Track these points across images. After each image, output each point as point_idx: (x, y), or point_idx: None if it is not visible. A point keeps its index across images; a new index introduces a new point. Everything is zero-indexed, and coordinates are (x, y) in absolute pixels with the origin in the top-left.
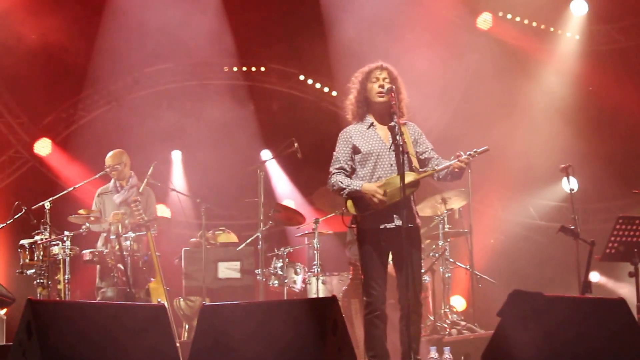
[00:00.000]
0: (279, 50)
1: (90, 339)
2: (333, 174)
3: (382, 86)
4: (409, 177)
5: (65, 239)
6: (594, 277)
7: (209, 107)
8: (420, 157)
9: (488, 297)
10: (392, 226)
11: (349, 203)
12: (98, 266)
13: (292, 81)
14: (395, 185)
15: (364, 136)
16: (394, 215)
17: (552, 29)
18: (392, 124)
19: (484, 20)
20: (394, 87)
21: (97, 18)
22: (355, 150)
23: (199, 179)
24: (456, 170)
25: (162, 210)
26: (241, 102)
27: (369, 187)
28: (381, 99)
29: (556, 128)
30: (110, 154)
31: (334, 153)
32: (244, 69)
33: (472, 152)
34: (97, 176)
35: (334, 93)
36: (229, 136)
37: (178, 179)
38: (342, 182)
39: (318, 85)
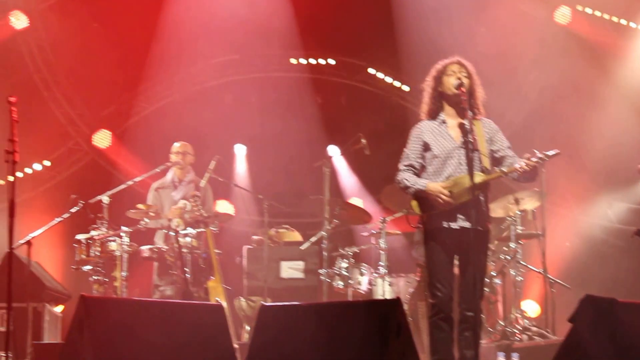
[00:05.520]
0: (347, 42)
1: (143, 337)
2: (401, 170)
3: (459, 79)
4: (477, 177)
5: (123, 234)
6: None
7: (274, 101)
8: (495, 155)
9: (562, 303)
10: (456, 227)
11: (414, 202)
12: (156, 263)
13: (361, 74)
14: (462, 185)
15: (434, 133)
16: (460, 216)
17: (633, 24)
18: (464, 122)
19: (563, 15)
20: (464, 82)
21: (161, 6)
22: (426, 147)
23: (262, 175)
24: (526, 170)
25: (225, 207)
26: (308, 96)
27: (434, 187)
28: (457, 91)
29: (635, 127)
30: (177, 143)
31: (405, 149)
32: (312, 61)
33: (542, 156)
34: (158, 169)
35: (404, 87)
36: (294, 131)
37: (241, 174)
38: (407, 180)
39: (388, 79)
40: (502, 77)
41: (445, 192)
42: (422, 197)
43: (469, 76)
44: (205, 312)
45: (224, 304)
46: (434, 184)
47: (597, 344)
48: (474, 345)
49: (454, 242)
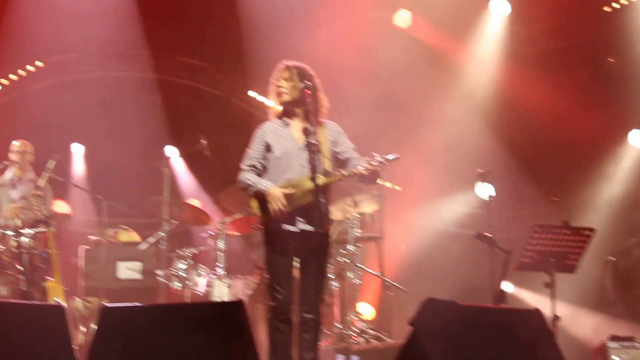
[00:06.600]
0: (189, 43)
1: None
2: (243, 170)
3: (281, 86)
4: (319, 180)
5: None
6: (508, 287)
7: (114, 100)
8: (340, 157)
9: (398, 306)
10: (296, 229)
11: (254, 203)
12: None
13: (202, 75)
14: (303, 187)
15: (277, 134)
16: (301, 218)
17: (472, 29)
18: (307, 124)
19: (402, 18)
20: (310, 84)
21: (5, 3)
22: (268, 149)
23: (101, 175)
24: (365, 175)
25: (62, 207)
26: (148, 96)
27: (274, 192)
28: (284, 99)
29: (473, 131)
30: (17, 142)
31: (247, 149)
32: (152, 61)
33: (382, 159)
34: None
35: (246, 89)
36: (133, 131)
37: (79, 174)
38: (250, 180)
39: (228, 81)
40: (342, 80)
41: (283, 202)
42: (263, 198)
43: (302, 78)
44: (45, 312)
45: (64, 304)
46: (276, 189)
47: (437, 346)
48: (313, 348)
49: (295, 244)
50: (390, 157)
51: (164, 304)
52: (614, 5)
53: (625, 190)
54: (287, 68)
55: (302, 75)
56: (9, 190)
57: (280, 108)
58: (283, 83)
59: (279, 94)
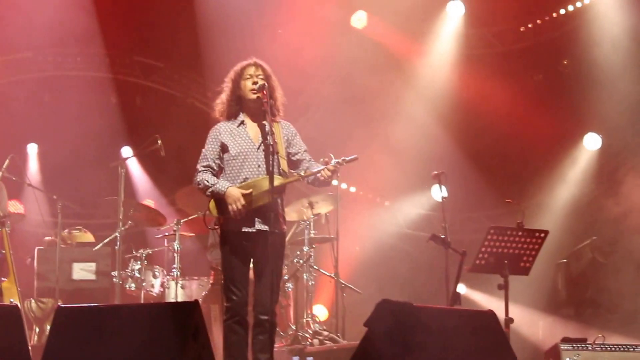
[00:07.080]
0: (145, 42)
1: None
2: (199, 171)
3: (255, 83)
4: (275, 180)
5: None
6: (461, 289)
7: (69, 100)
8: (292, 158)
9: (352, 307)
10: (253, 230)
11: (212, 204)
12: None
13: (158, 75)
14: (260, 188)
15: (233, 134)
16: (257, 219)
17: (427, 31)
18: (264, 123)
19: (359, 19)
20: (266, 84)
21: None
22: (224, 149)
23: (57, 175)
24: (323, 177)
25: (15, 206)
26: (103, 95)
27: (232, 193)
28: (254, 96)
29: (429, 133)
30: None
31: (203, 150)
32: (108, 60)
33: (339, 160)
34: None
35: (204, 91)
36: (89, 131)
37: (34, 173)
38: (207, 181)
39: (185, 81)
40: (298, 80)
41: (242, 201)
42: (221, 199)
43: (267, 78)
44: (0, 313)
45: (19, 304)
46: (234, 190)
47: (392, 347)
48: (268, 349)
49: (251, 245)
50: (349, 158)
51: (118, 304)
52: (569, 7)
53: (579, 193)
54: (244, 67)
55: (258, 74)
56: None
57: (233, 107)
58: (241, 82)
59: (252, 90)
